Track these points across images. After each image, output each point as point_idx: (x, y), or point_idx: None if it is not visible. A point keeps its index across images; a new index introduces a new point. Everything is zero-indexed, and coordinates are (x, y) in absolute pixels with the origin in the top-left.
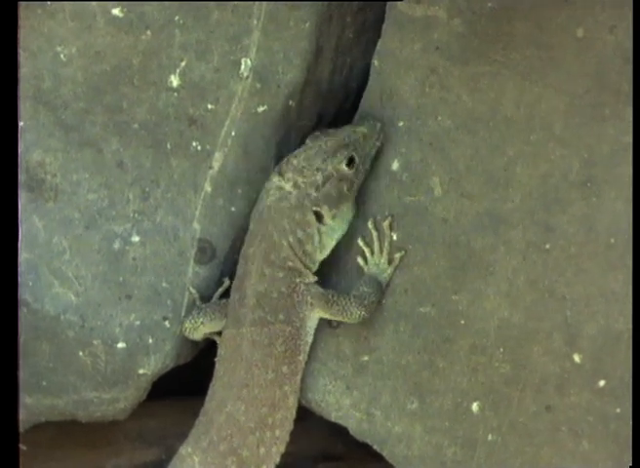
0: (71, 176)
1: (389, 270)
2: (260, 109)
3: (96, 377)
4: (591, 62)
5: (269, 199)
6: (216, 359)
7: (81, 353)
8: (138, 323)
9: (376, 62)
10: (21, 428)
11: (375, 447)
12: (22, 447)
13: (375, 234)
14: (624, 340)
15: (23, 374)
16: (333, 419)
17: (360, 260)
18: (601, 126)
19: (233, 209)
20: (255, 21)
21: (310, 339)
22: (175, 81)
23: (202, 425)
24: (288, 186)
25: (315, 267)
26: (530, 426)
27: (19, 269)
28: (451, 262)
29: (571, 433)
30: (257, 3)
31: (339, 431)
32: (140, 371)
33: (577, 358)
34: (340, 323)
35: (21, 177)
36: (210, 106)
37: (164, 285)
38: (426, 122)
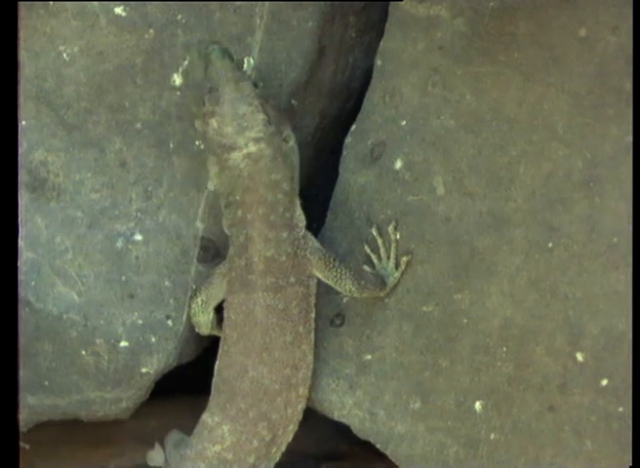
0: (74, 176)
1: (397, 274)
2: None
3: (98, 377)
4: (594, 62)
5: (246, 170)
6: (224, 324)
7: (84, 352)
8: (140, 322)
9: (378, 62)
10: (24, 427)
11: (378, 445)
12: (25, 446)
13: (380, 241)
14: (627, 340)
15: (26, 374)
16: (336, 418)
17: (367, 268)
18: (604, 126)
19: None
20: (257, 21)
21: (315, 296)
22: (177, 80)
23: (225, 394)
24: (252, 148)
25: (299, 209)
26: (532, 425)
27: (21, 269)
28: (453, 262)
29: (573, 432)
30: (259, 3)
31: (342, 430)
32: (143, 371)
33: (579, 357)
34: (343, 322)
35: (24, 177)
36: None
37: (167, 284)
38: (429, 121)
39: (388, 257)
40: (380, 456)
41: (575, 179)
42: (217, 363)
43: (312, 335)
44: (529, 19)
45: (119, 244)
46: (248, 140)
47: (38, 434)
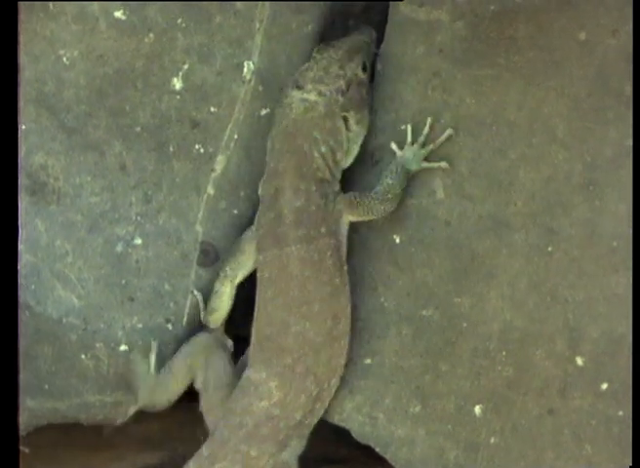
0: (74, 180)
1: (422, 163)
2: (263, 112)
3: (98, 380)
4: (594, 66)
5: (294, 112)
6: (257, 285)
7: (83, 356)
8: (140, 326)
9: (378, 66)
10: (24, 431)
11: (377, 450)
12: (25, 449)
13: (426, 130)
14: (627, 343)
15: (26, 377)
16: (335, 422)
17: (394, 145)
18: (604, 129)
19: (236, 211)
20: (257, 25)
21: (346, 248)
22: (177, 84)
23: (269, 350)
24: (312, 96)
25: (339, 176)
26: (532, 429)
27: (21, 272)
28: (453, 265)
29: (573, 436)
30: (259, 6)
31: (341, 434)
32: None
33: (579, 361)
34: None
35: (24, 181)
36: (212, 109)
37: (167, 287)
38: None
39: (424, 145)
40: (380, 460)
41: (575, 183)
42: (253, 324)
43: (348, 288)
44: (529, 23)
45: (119, 247)
46: (314, 89)
47: (38, 437)
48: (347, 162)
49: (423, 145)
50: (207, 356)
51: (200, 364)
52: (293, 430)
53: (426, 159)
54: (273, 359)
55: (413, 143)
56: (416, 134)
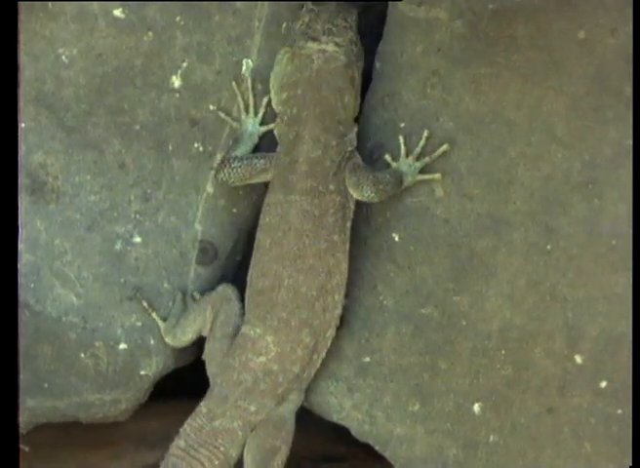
0: (73, 178)
1: (417, 176)
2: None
3: (97, 379)
4: (593, 65)
5: (316, 63)
6: (258, 228)
7: (83, 355)
8: (139, 324)
9: (377, 64)
10: (23, 430)
11: (377, 448)
12: (24, 448)
13: (422, 143)
14: (626, 342)
15: (25, 376)
16: (335, 420)
17: (388, 157)
18: (602, 128)
19: (235, 210)
20: (256, 23)
21: (354, 205)
22: (176, 82)
23: (263, 305)
24: (330, 47)
25: (355, 136)
26: (532, 428)
27: (21, 271)
28: (452, 264)
29: (573, 434)
30: (258, 5)
31: (340, 432)
32: (142, 373)
33: (578, 359)
34: (341, 324)
35: (23, 180)
36: (212, 107)
37: (166, 286)
38: (428, 124)
39: (418, 158)
40: (379, 458)
41: (574, 181)
42: (249, 271)
43: (348, 245)
44: (528, 22)
45: (118, 246)
46: (330, 41)
47: (38, 436)
48: (355, 114)
49: (418, 158)
50: (220, 306)
51: (210, 312)
52: (291, 384)
53: (422, 171)
54: (268, 314)
55: (407, 155)
56: (410, 145)
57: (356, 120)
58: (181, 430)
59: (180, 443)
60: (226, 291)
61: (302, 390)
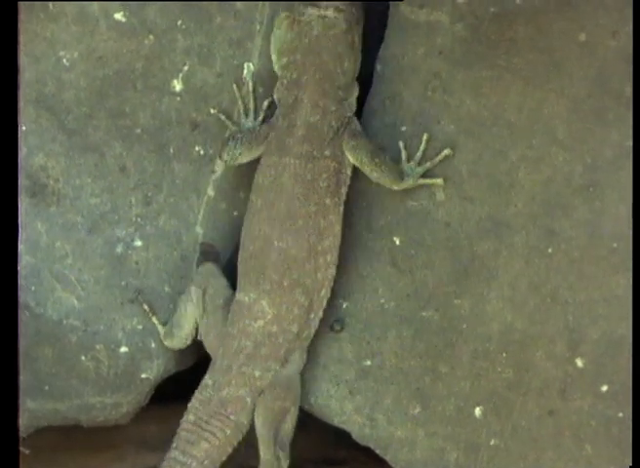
0: (74, 181)
1: (419, 180)
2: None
3: (98, 382)
4: (594, 67)
5: (316, 29)
6: (252, 189)
7: (83, 357)
8: (140, 327)
9: (379, 67)
10: (24, 432)
11: (377, 451)
12: (25, 451)
13: (422, 147)
14: (627, 344)
15: (26, 379)
16: (335, 424)
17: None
18: (604, 130)
19: (236, 213)
20: (257, 26)
21: (350, 171)
22: (177, 85)
23: (254, 270)
24: (330, 12)
25: (354, 101)
26: (533, 431)
27: (21, 273)
28: (453, 267)
29: (574, 437)
30: (259, 7)
31: (341, 435)
32: (143, 376)
33: (579, 362)
34: (342, 327)
35: (24, 182)
36: (212, 111)
37: (166, 289)
38: (429, 126)
39: (419, 163)
40: (380, 462)
41: (575, 184)
42: (242, 234)
43: (341, 208)
44: (529, 24)
45: (119, 249)
46: (330, 6)
47: (38, 439)
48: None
49: (420, 162)
50: (206, 283)
51: (197, 291)
52: (292, 343)
53: (423, 175)
54: (260, 278)
55: (409, 160)
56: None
57: (357, 79)
58: (189, 405)
59: (189, 417)
60: (208, 267)
61: (304, 350)
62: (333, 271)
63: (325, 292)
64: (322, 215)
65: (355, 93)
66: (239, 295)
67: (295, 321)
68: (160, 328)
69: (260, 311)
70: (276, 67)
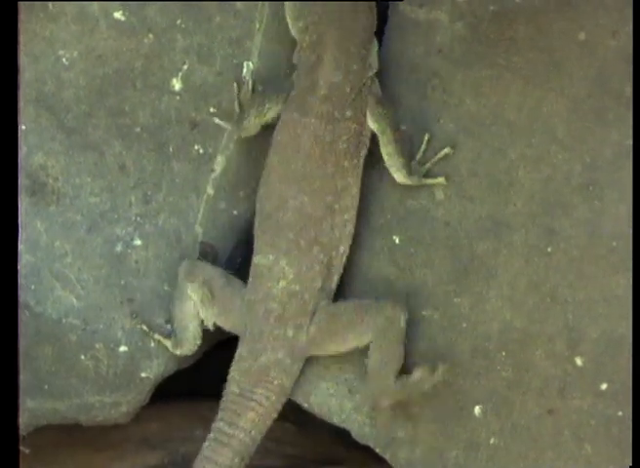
0: (73, 180)
1: (421, 180)
2: None
3: (98, 381)
4: (593, 66)
5: None
6: (271, 146)
7: (83, 356)
8: (139, 326)
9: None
10: (24, 431)
11: (377, 450)
12: (25, 450)
13: (423, 147)
14: (627, 344)
15: (25, 378)
16: (335, 423)
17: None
18: (603, 130)
19: (235, 212)
20: (257, 25)
21: (370, 133)
22: (177, 84)
23: (270, 231)
24: None
25: (376, 62)
26: (532, 430)
27: (21, 272)
28: (453, 266)
29: (573, 436)
30: (259, 6)
31: (341, 434)
32: (143, 375)
33: (579, 361)
34: None
35: (24, 181)
36: (212, 110)
37: (166, 288)
38: (429, 125)
39: (423, 163)
40: (380, 461)
41: (574, 183)
42: (258, 194)
43: (360, 170)
44: (528, 24)
45: (118, 248)
46: None
47: (38, 438)
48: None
49: (421, 162)
50: (195, 275)
51: (191, 285)
52: (318, 298)
53: (425, 175)
54: (276, 238)
55: (411, 159)
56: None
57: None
58: (229, 377)
59: (233, 389)
60: (189, 262)
61: (331, 300)
62: (351, 229)
63: (344, 250)
64: (340, 177)
65: (375, 48)
66: (257, 258)
67: (317, 276)
68: (166, 342)
69: (281, 272)
70: (293, 32)
